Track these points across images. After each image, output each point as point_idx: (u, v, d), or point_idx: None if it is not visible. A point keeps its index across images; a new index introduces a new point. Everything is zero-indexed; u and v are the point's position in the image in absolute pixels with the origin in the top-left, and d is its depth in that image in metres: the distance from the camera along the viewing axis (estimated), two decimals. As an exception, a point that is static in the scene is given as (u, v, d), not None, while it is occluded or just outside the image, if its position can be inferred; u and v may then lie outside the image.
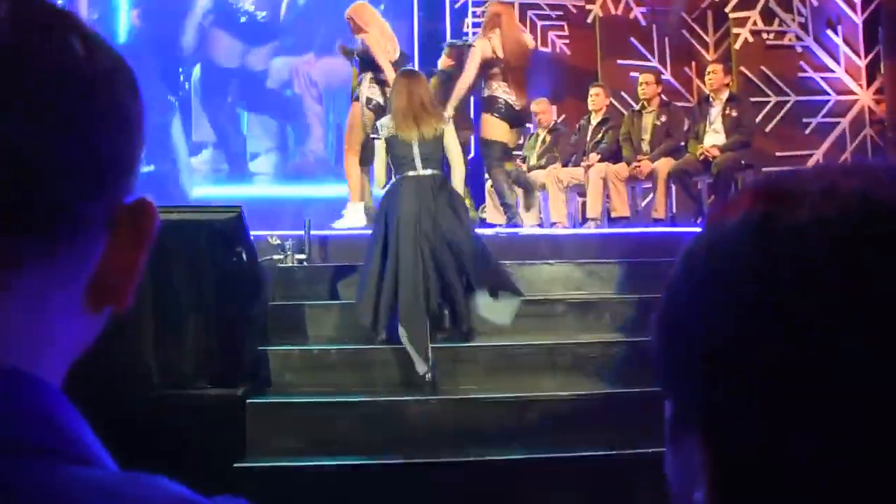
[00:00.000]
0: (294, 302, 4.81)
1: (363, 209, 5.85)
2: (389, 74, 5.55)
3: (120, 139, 0.44)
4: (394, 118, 4.50)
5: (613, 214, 6.55)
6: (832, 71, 8.50)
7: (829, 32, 8.53)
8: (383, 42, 5.88)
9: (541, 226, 6.62)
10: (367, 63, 5.88)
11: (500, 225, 6.14)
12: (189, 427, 3.58)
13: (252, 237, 4.37)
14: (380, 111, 5.49)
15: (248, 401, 3.89)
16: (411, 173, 4.43)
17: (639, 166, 6.56)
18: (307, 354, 4.43)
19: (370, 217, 5.52)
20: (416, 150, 4.42)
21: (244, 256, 4.06)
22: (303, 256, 5.16)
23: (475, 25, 8.68)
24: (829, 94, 8.48)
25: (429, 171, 4.43)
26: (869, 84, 8.49)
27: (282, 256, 5.10)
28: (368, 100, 5.84)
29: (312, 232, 5.30)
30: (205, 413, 3.71)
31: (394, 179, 4.54)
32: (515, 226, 5.94)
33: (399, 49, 6.06)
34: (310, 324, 4.64)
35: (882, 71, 8.30)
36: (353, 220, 5.85)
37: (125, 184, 0.45)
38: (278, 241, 5.17)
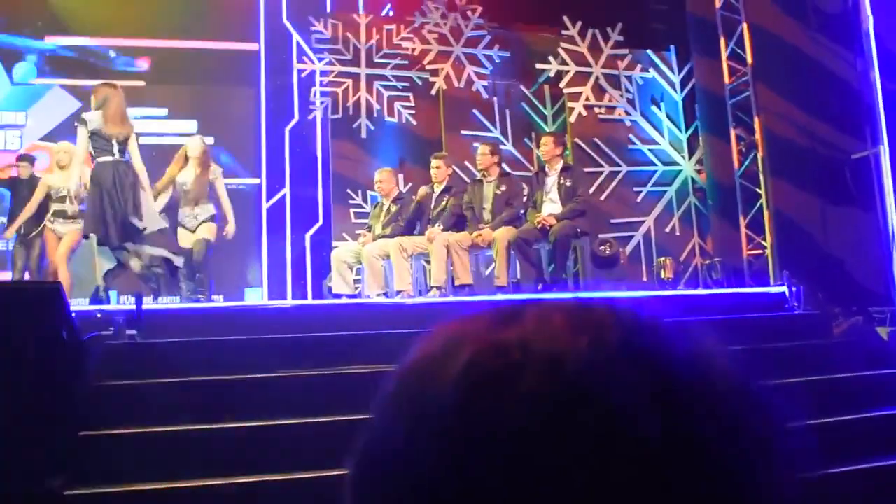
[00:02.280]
0: (124, 381, 4.52)
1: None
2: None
3: None
4: (105, 118, 6.09)
5: (457, 282, 6.62)
6: (657, 143, 9.13)
7: (654, 108, 9.19)
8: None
9: (386, 295, 6.60)
10: None
11: (345, 295, 6.07)
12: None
13: (75, 313, 4.11)
14: None
15: (66, 493, 3.58)
16: (110, 158, 6.09)
17: (480, 234, 6.70)
18: (137, 438, 4.15)
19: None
20: (114, 143, 6.11)
21: (63, 334, 3.79)
22: (134, 332, 4.88)
23: (323, 95, 8.73)
24: (655, 164, 9.08)
25: (121, 158, 6.13)
26: (690, 155, 9.17)
27: (110, 332, 4.81)
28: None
29: (145, 306, 5.05)
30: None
31: (98, 162, 6.13)
32: (360, 296, 5.91)
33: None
34: (140, 404, 4.36)
35: (701, 143, 9.00)
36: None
37: None
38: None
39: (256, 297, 8.38)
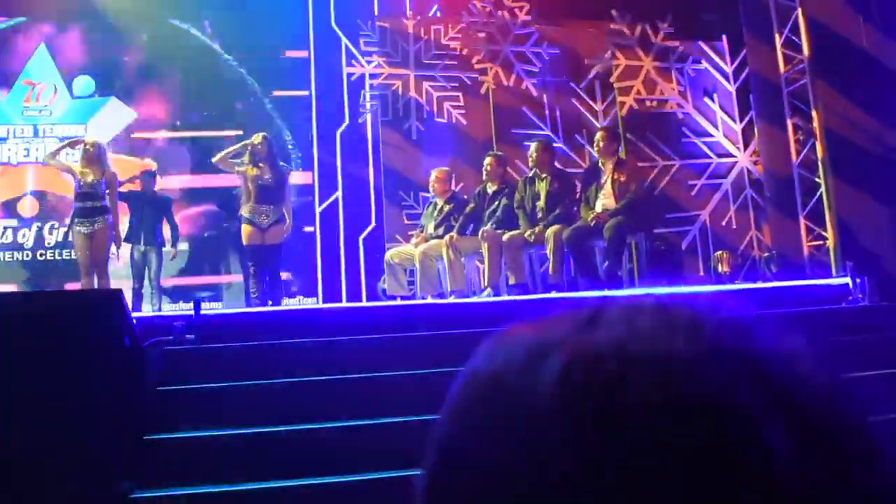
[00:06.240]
0: (185, 386, 4.59)
1: None
2: None
3: None
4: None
5: (511, 281, 6.57)
6: (711, 136, 8.95)
7: (707, 100, 9.01)
8: None
9: (440, 296, 6.59)
10: None
11: (399, 296, 6.08)
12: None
13: (136, 319, 4.19)
14: None
15: (131, 496, 3.65)
16: None
17: (533, 233, 6.64)
18: (200, 441, 4.21)
19: None
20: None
21: (125, 340, 3.87)
22: (192, 337, 4.96)
23: (373, 97, 8.78)
24: (710, 157, 8.90)
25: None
26: (746, 147, 8.96)
27: (171, 338, 4.89)
28: None
29: (203, 311, 5.13)
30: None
31: None
32: (414, 297, 5.91)
33: None
34: (201, 408, 4.43)
35: (756, 134, 8.79)
36: None
37: None
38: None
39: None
